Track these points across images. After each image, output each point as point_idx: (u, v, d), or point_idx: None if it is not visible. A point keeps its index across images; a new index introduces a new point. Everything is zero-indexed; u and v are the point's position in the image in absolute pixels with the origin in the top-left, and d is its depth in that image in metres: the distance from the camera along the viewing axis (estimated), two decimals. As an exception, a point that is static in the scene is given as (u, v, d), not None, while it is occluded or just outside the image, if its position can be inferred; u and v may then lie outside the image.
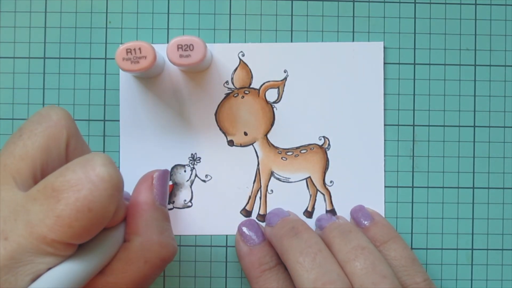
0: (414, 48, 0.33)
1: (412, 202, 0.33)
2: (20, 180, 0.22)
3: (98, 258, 0.22)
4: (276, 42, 0.33)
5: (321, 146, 0.33)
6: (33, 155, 0.22)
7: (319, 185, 0.33)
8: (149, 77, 0.33)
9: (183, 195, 0.33)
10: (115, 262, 0.23)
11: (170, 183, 0.33)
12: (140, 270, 0.23)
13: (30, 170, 0.22)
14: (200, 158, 0.33)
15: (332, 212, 0.33)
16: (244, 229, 0.32)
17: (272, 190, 0.33)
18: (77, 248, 0.22)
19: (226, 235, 0.33)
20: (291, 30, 0.33)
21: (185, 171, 0.33)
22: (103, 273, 0.23)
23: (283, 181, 0.33)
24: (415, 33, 0.34)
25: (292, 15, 0.33)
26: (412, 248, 0.33)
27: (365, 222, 0.32)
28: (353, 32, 0.33)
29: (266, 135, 0.33)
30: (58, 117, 0.23)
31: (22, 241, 0.20)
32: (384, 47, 0.33)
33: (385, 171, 0.33)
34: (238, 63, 0.33)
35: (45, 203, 0.20)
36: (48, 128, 0.23)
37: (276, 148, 0.33)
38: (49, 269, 0.21)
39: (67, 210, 0.20)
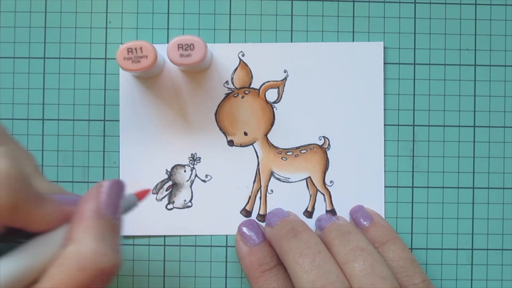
0: (414, 48, 0.34)
1: (412, 202, 0.33)
2: None
3: (28, 262, 0.21)
4: (276, 42, 0.33)
5: (321, 146, 0.33)
6: None
7: (319, 185, 0.33)
8: (149, 77, 0.33)
9: (183, 195, 0.33)
10: (52, 267, 0.22)
11: (170, 183, 0.33)
12: (74, 278, 0.22)
13: None
14: (200, 158, 0.33)
15: (332, 212, 0.33)
16: (244, 229, 0.32)
17: (272, 190, 0.33)
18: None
19: (226, 235, 0.33)
20: (291, 30, 0.33)
21: (185, 171, 0.33)
22: (41, 279, 0.22)
23: (283, 181, 0.33)
24: (415, 33, 0.34)
25: (292, 15, 0.33)
26: (412, 248, 0.33)
27: (365, 223, 0.32)
28: (353, 32, 0.33)
29: (266, 135, 0.33)
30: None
31: None
32: (384, 47, 0.33)
33: (385, 171, 0.33)
34: (238, 63, 0.33)
35: None
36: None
37: (276, 148, 0.33)
38: None
39: None
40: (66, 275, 0.22)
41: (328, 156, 0.33)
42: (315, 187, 0.33)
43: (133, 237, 0.33)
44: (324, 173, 0.33)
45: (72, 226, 0.23)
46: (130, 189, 0.28)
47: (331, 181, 0.33)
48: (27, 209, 0.22)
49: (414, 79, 0.33)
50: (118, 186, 0.25)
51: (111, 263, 0.23)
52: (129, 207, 0.27)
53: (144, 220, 0.33)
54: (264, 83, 0.33)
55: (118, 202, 0.25)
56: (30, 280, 0.22)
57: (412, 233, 0.33)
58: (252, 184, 0.33)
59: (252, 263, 0.30)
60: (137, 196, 0.28)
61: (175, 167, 0.33)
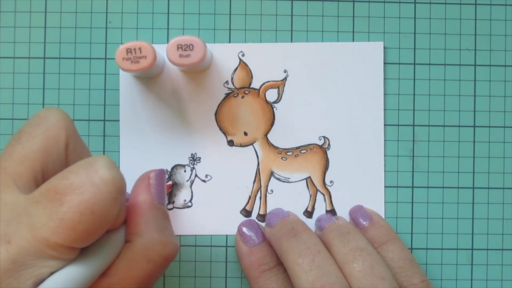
0: (414, 48, 0.33)
1: (412, 202, 0.33)
2: (21, 183, 0.22)
3: (101, 261, 0.22)
4: (276, 42, 0.33)
5: (321, 146, 0.33)
6: (33, 158, 0.22)
7: (319, 185, 0.33)
8: (149, 77, 0.33)
9: (183, 195, 0.33)
10: (118, 263, 0.23)
11: (170, 182, 0.33)
12: (143, 269, 0.23)
13: (31, 172, 0.22)
14: (200, 158, 0.33)
15: (332, 212, 0.33)
16: (244, 229, 0.32)
17: (272, 190, 0.33)
18: (79, 251, 0.22)
19: (226, 235, 0.33)
20: (291, 30, 0.33)
21: (185, 171, 0.33)
22: (106, 274, 0.23)
23: (283, 181, 0.33)
24: (415, 33, 0.34)
25: (292, 15, 0.33)
26: (412, 248, 0.33)
27: (364, 223, 0.32)
28: (353, 32, 0.33)
29: (266, 135, 0.33)
30: (57, 118, 0.23)
31: (25, 244, 0.20)
32: (384, 47, 0.33)
33: (385, 171, 0.33)
34: (238, 63, 0.33)
35: (48, 206, 0.20)
36: (46, 130, 0.23)
37: (276, 148, 0.33)
38: (52, 273, 0.21)
39: (70, 213, 0.20)
40: (135, 268, 0.23)
41: (328, 156, 0.33)
42: (315, 187, 0.33)
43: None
44: (324, 173, 0.33)
45: (132, 220, 0.24)
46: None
47: (331, 181, 0.33)
48: (119, 214, 0.23)
49: (414, 79, 0.33)
50: (163, 176, 0.27)
51: (174, 250, 0.25)
52: None
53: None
54: (264, 83, 0.33)
55: (164, 190, 0.27)
56: (97, 277, 0.23)
57: (412, 233, 0.33)
58: (252, 184, 0.33)
59: (252, 263, 0.30)
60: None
61: (175, 167, 0.33)
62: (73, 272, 0.21)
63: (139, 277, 0.23)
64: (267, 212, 0.33)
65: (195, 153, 0.33)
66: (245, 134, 0.33)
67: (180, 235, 0.33)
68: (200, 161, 0.33)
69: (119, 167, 0.33)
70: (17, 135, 0.23)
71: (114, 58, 0.33)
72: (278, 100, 0.33)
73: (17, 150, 0.22)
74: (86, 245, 0.22)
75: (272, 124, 0.33)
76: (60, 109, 0.24)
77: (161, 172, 0.27)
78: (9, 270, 0.20)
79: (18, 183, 0.22)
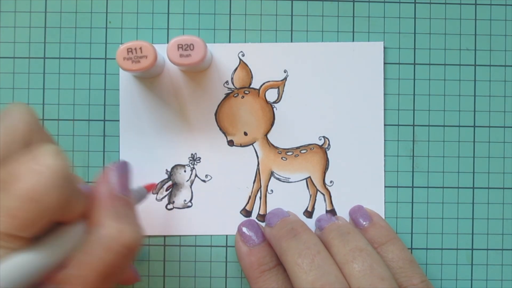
0: (414, 48, 0.34)
1: (412, 202, 0.33)
2: None
3: (55, 252, 0.22)
4: (276, 42, 0.33)
5: (321, 146, 0.33)
6: None
7: (319, 185, 0.33)
8: (149, 77, 0.33)
9: (183, 195, 0.33)
10: (78, 254, 0.23)
11: (170, 182, 0.33)
12: (102, 259, 0.23)
13: None
14: (200, 158, 0.33)
15: (332, 212, 0.33)
16: (244, 229, 0.32)
17: (272, 190, 0.33)
18: (30, 242, 0.21)
19: (226, 235, 0.33)
20: (291, 30, 0.33)
21: (185, 171, 0.33)
22: (65, 266, 0.23)
23: (283, 181, 0.33)
24: (415, 33, 0.34)
25: (292, 15, 0.33)
26: (412, 248, 0.33)
27: (364, 223, 0.32)
28: (353, 32, 0.33)
29: (266, 135, 0.33)
30: (19, 113, 0.23)
31: None
32: (384, 47, 0.33)
33: (385, 171, 0.33)
34: (238, 63, 0.33)
35: None
36: (7, 124, 0.23)
37: (276, 148, 0.33)
38: None
39: (13, 201, 0.20)
40: (93, 258, 0.23)
41: (328, 156, 0.33)
42: (315, 187, 0.33)
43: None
44: (324, 173, 0.33)
45: (91, 212, 0.24)
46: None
47: (331, 181, 0.33)
48: (71, 205, 0.23)
49: (414, 79, 0.33)
50: (125, 166, 0.27)
51: (134, 238, 0.24)
52: (140, 198, 0.30)
53: (144, 220, 0.33)
54: (264, 83, 0.33)
55: (127, 181, 0.26)
56: (55, 267, 0.22)
57: (412, 233, 0.33)
58: (252, 184, 0.33)
59: (252, 263, 0.30)
60: (146, 189, 0.30)
61: (175, 167, 0.33)
62: (20, 260, 0.21)
63: (99, 267, 0.23)
64: (267, 212, 0.33)
65: (195, 153, 0.33)
66: (245, 134, 0.33)
67: (180, 235, 0.33)
68: (200, 161, 0.33)
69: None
70: None
71: (114, 58, 0.33)
72: (278, 100, 0.33)
73: None
74: (32, 234, 0.21)
75: (272, 124, 0.33)
76: (26, 105, 0.24)
77: (122, 163, 0.27)
78: None
79: None
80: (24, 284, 0.21)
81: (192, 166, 0.33)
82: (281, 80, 0.33)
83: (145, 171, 0.33)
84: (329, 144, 0.33)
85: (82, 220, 0.24)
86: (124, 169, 0.26)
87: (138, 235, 0.24)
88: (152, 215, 0.33)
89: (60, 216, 0.22)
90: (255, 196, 0.33)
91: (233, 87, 0.33)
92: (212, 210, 0.33)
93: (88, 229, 0.24)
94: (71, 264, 0.23)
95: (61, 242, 0.23)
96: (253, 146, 0.33)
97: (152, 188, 0.32)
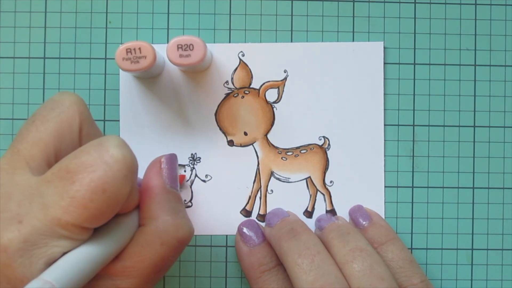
0: (414, 48, 0.33)
1: (412, 202, 0.33)
2: (33, 165, 0.22)
3: (113, 243, 0.22)
4: (276, 42, 0.33)
5: (321, 146, 0.33)
6: (46, 140, 0.22)
7: (319, 185, 0.33)
8: (149, 77, 0.33)
9: (183, 195, 0.33)
10: (131, 246, 0.23)
11: (183, 172, 0.33)
12: (157, 252, 0.23)
13: (44, 155, 0.22)
14: (200, 158, 0.33)
15: (332, 212, 0.33)
16: (244, 229, 0.32)
17: (272, 190, 0.33)
18: (92, 233, 0.22)
19: (226, 235, 0.33)
20: (291, 30, 0.33)
21: (185, 171, 0.33)
22: (120, 258, 0.23)
23: (283, 181, 0.33)
24: (415, 33, 0.34)
25: (292, 15, 0.33)
26: (412, 248, 0.33)
27: (364, 222, 0.32)
28: (353, 32, 0.33)
29: (266, 135, 0.33)
30: (71, 102, 0.23)
31: (37, 223, 0.20)
32: (384, 47, 0.33)
33: (385, 171, 0.33)
34: (238, 63, 0.33)
35: (59, 185, 0.20)
36: (60, 113, 0.23)
37: (276, 148, 0.33)
38: (64, 253, 0.21)
39: (82, 191, 0.20)
40: (149, 251, 0.23)
41: (328, 156, 0.33)
42: (315, 187, 0.33)
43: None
44: (324, 173, 0.33)
45: (144, 204, 0.24)
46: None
47: (331, 181, 0.33)
48: (131, 196, 0.23)
49: (414, 79, 0.33)
50: (174, 160, 0.27)
51: (188, 232, 0.25)
52: None
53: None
54: (264, 83, 0.33)
55: (177, 174, 0.27)
56: (112, 258, 0.22)
57: (412, 233, 0.33)
58: (252, 184, 0.33)
59: (252, 264, 0.30)
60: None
61: (175, 167, 0.33)
62: (85, 253, 0.21)
63: (153, 260, 0.23)
64: (267, 212, 0.33)
65: (195, 153, 0.33)
66: (245, 134, 0.33)
67: (180, 235, 0.33)
68: (200, 161, 0.33)
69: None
70: (32, 118, 0.23)
71: (114, 58, 0.33)
72: (278, 100, 0.33)
73: (31, 133, 0.22)
74: (98, 225, 0.21)
75: (272, 124, 0.33)
76: (75, 93, 0.24)
77: (172, 156, 0.27)
78: (20, 249, 0.20)
79: (31, 165, 0.22)
80: (90, 276, 0.21)
81: (192, 166, 0.33)
82: (281, 80, 0.33)
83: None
84: (329, 144, 0.33)
85: (135, 211, 0.24)
86: (173, 162, 0.27)
87: (192, 229, 0.25)
88: (152, 215, 0.33)
89: (122, 208, 0.23)
90: (255, 196, 0.33)
91: (233, 87, 0.33)
92: (212, 210, 0.33)
93: (141, 220, 0.24)
94: (126, 256, 0.23)
95: (119, 233, 0.23)
96: (253, 146, 0.33)
97: (182, 180, 0.32)
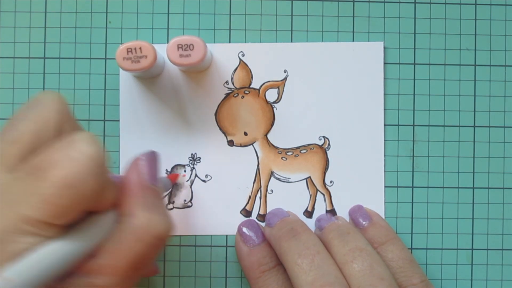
0: (414, 48, 0.34)
1: (412, 202, 0.33)
2: (9, 164, 0.22)
3: (86, 241, 0.22)
4: (276, 42, 0.33)
5: (321, 146, 0.33)
6: (23, 139, 0.22)
7: (319, 185, 0.33)
8: (149, 77, 0.33)
9: (183, 195, 0.33)
10: (108, 243, 0.23)
11: (183, 172, 0.33)
12: (133, 249, 0.23)
13: (20, 154, 0.22)
14: (200, 158, 0.33)
15: (332, 212, 0.33)
16: (244, 229, 0.32)
17: (272, 190, 0.33)
18: (62, 230, 0.21)
19: (226, 235, 0.33)
20: (291, 30, 0.33)
21: (185, 171, 0.33)
22: (95, 255, 0.23)
23: (283, 181, 0.33)
24: (415, 33, 0.34)
25: (292, 15, 0.33)
26: (412, 248, 0.33)
27: (364, 223, 0.32)
28: (353, 32, 0.33)
29: (266, 135, 0.33)
30: (51, 101, 0.23)
31: (4, 220, 0.20)
32: (384, 47, 0.33)
33: (385, 171, 0.33)
34: (238, 63, 0.33)
35: (28, 182, 0.20)
36: (39, 112, 0.23)
37: (276, 148, 0.33)
38: (30, 250, 0.20)
39: (50, 188, 0.20)
40: (125, 248, 0.23)
41: (328, 156, 0.33)
42: (315, 187, 0.33)
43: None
44: (324, 173, 0.33)
45: (121, 202, 0.24)
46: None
47: (331, 181, 0.33)
48: (104, 193, 0.22)
49: (414, 79, 0.33)
50: (154, 156, 0.26)
51: (165, 228, 0.24)
52: (164, 189, 0.30)
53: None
54: (264, 83, 0.33)
55: (156, 171, 0.26)
56: (86, 256, 0.22)
57: (412, 233, 0.33)
58: (252, 184, 0.33)
59: (252, 263, 0.30)
60: (170, 179, 0.31)
61: (175, 167, 0.33)
62: (52, 249, 0.21)
63: (129, 257, 0.23)
64: (267, 212, 0.33)
65: (195, 153, 0.33)
66: (245, 134, 0.33)
67: (180, 235, 0.33)
68: (200, 161, 0.33)
69: (118, 167, 0.33)
70: (12, 117, 0.23)
71: (114, 58, 0.33)
72: (278, 100, 0.33)
73: (9, 131, 0.22)
74: (66, 222, 0.21)
75: (272, 124, 0.33)
76: (56, 92, 0.24)
77: (152, 153, 0.27)
78: None
79: (7, 164, 0.22)
80: (57, 273, 0.21)
81: (192, 166, 0.33)
82: (281, 80, 0.33)
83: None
84: (329, 144, 0.33)
85: (112, 209, 0.24)
86: (153, 159, 0.26)
87: (169, 225, 0.24)
88: (152, 215, 0.33)
89: (93, 205, 0.22)
90: (255, 196, 0.33)
91: (233, 87, 0.33)
92: (212, 210, 0.33)
93: (118, 218, 0.24)
94: (101, 254, 0.23)
95: (92, 231, 0.22)
96: (253, 146, 0.33)
97: (175, 179, 0.32)
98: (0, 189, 0.21)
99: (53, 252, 0.21)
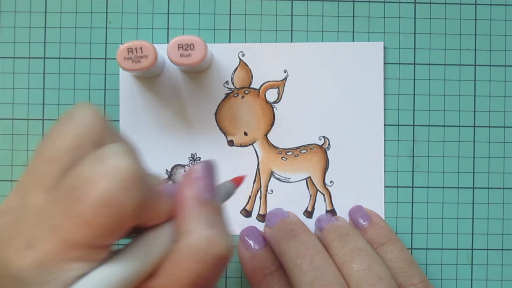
0: (414, 48, 0.34)
1: (412, 202, 0.33)
2: (47, 184, 0.20)
3: (141, 261, 0.20)
4: (276, 42, 0.33)
5: (321, 146, 0.33)
6: (61, 157, 0.21)
7: (319, 185, 0.33)
8: (149, 77, 0.33)
9: (183, 195, 0.33)
10: (165, 263, 0.21)
11: (170, 183, 0.33)
12: (192, 270, 0.21)
13: (58, 173, 0.21)
14: (200, 158, 0.33)
15: (332, 212, 0.33)
16: (246, 237, 0.32)
17: (272, 190, 0.33)
18: (111, 251, 0.20)
19: (226, 235, 0.33)
20: (291, 30, 0.33)
21: (185, 171, 0.33)
22: (153, 277, 0.21)
23: (283, 181, 0.33)
24: (415, 33, 0.34)
25: (292, 15, 0.33)
26: (412, 248, 0.33)
27: (363, 223, 0.32)
28: (353, 32, 0.33)
29: (266, 135, 0.33)
30: (86, 115, 0.22)
31: (48, 247, 0.19)
32: (384, 47, 0.33)
33: (385, 171, 0.33)
34: (238, 63, 0.33)
35: (64, 204, 0.19)
36: (75, 128, 0.21)
37: (276, 148, 0.33)
38: (81, 276, 0.19)
39: (86, 208, 0.19)
40: (184, 269, 0.21)
41: (328, 156, 0.33)
42: (315, 187, 0.33)
43: (134, 237, 0.33)
44: (324, 173, 0.33)
45: (178, 218, 0.22)
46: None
47: (331, 181, 0.33)
48: (150, 207, 0.21)
49: (414, 79, 0.33)
50: (211, 167, 0.24)
51: (226, 248, 0.22)
52: (227, 195, 0.26)
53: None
54: (264, 83, 0.33)
55: (214, 182, 0.24)
56: (143, 278, 0.21)
57: (412, 233, 0.33)
58: (252, 184, 0.33)
59: (254, 267, 0.30)
60: (234, 182, 0.27)
61: (175, 167, 0.33)
62: (105, 274, 0.19)
63: (189, 279, 0.21)
64: (267, 212, 0.33)
65: (195, 153, 0.33)
66: (245, 134, 0.33)
67: (180, 235, 0.33)
68: (200, 161, 0.33)
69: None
70: (48, 134, 0.22)
71: (114, 58, 0.33)
72: (278, 100, 0.33)
73: (45, 150, 0.21)
74: (112, 242, 0.20)
75: (272, 124, 0.33)
76: (91, 105, 0.23)
77: (208, 164, 0.25)
78: (34, 276, 0.19)
79: (45, 183, 0.20)
80: None
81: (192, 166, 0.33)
82: (281, 80, 0.33)
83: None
84: (329, 144, 0.33)
85: (168, 222, 0.22)
86: (210, 169, 0.24)
87: (230, 245, 0.22)
88: (152, 215, 0.33)
89: (140, 220, 0.21)
90: (255, 196, 0.33)
91: (233, 87, 0.33)
92: (212, 210, 0.33)
93: (174, 234, 0.22)
94: (158, 275, 0.21)
95: (148, 249, 0.21)
96: (253, 146, 0.33)
97: (241, 182, 0.28)
98: (41, 214, 0.20)
99: (106, 276, 0.19)
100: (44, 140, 0.22)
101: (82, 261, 0.19)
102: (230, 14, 0.33)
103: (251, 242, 0.31)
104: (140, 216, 0.20)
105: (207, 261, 0.21)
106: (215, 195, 0.24)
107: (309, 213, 0.33)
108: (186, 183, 0.23)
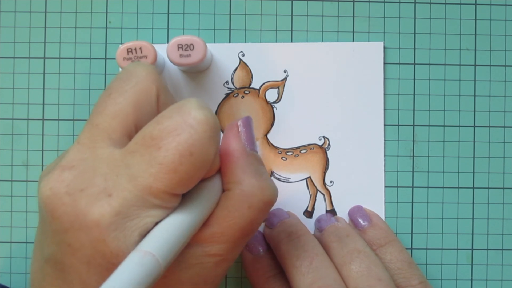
0: (414, 48, 0.34)
1: (412, 202, 0.33)
2: (115, 138, 0.21)
3: (201, 209, 0.22)
4: (276, 42, 0.33)
5: (321, 146, 0.33)
6: (125, 112, 0.22)
7: (319, 185, 0.33)
8: (149, 77, 0.33)
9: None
10: (218, 211, 0.23)
11: None
12: (244, 216, 0.23)
13: (124, 127, 0.22)
14: (200, 158, 0.33)
15: (332, 212, 0.33)
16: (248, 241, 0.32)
17: (272, 190, 0.33)
18: (180, 200, 0.21)
19: (226, 235, 0.33)
20: (291, 30, 0.33)
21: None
22: (208, 224, 0.22)
23: (283, 181, 0.33)
24: (415, 33, 0.34)
25: (292, 15, 0.33)
26: (412, 248, 0.33)
27: (363, 223, 0.32)
28: (353, 32, 0.33)
29: (266, 135, 0.33)
30: (146, 72, 0.23)
31: (127, 195, 0.20)
32: (384, 47, 0.33)
33: (385, 171, 0.33)
34: (238, 63, 0.33)
35: (145, 153, 0.20)
36: (137, 84, 0.22)
37: (276, 148, 0.33)
38: (157, 223, 0.20)
39: (170, 156, 0.20)
40: (237, 215, 0.23)
41: (328, 156, 0.33)
42: (315, 187, 0.33)
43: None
44: (324, 173, 0.33)
45: (226, 169, 0.24)
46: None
47: (331, 181, 0.33)
48: (215, 158, 0.22)
49: (414, 79, 0.33)
50: (251, 122, 0.26)
51: (273, 194, 0.24)
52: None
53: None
54: (264, 83, 0.33)
55: (254, 137, 0.26)
56: (199, 227, 0.22)
57: (412, 233, 0.33)
58: (252, 184, 0.33)
59: (257, 270, 0.30)
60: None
61: (175, 167, 0.33)
62: (178, 221, 0.20)
63: (241, 225, 0.23)
64: (267, 212, 0.33)
65: (195, 153, 0.33)
66: (245, 134, 0.33)
67: (180, 235, 0.33)
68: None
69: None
70: (107, 91, 0.23)
71: (114, 58, 0.33)
72: (278, 100, 0.33)
73: (109, 106, 0.22)
74: (187, 190, 0.21)
75: (272, 124, 0.33)
76: (147, 63, 0.24)
77: (248, 119, 0.26)
78: (113, 223, 0.19)
79: (112, 138, 0.21)
80: (183, 244, 0.20)
81: (192, 166, 0.33)
82: (281, 80, 0.33)
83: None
84: (329, 144, 0.33)
85: (217, 174, 0.24)
86: (250, 124, 0.26)
87: (276, 191, 0.24)
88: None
89: (209, 171, 0.22)
90: (255, 196, 0.33)
91: (233, 87, 0.33)
92: (212, 210, 0.33)
93: (224, 186, 0.24)
94: (213, 222, 0.22)
95: (205, 199, 0.22)
96: (253, 146, 0.33)
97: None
98: (116, 164, 0.20)
99: (180, 223, 0.20)
100: (104, 97, 0.22)
101: (159, 208, 0.20)
102: (230, 14, 0.33)
103: (254, 245, 0.31)
104: (211, 167, 0.22)
105: (258, 207, 0.23)
106: (256, 147, 0.25)
107: (309, 213, 0.33)
108: (231, 136, 0.25)
